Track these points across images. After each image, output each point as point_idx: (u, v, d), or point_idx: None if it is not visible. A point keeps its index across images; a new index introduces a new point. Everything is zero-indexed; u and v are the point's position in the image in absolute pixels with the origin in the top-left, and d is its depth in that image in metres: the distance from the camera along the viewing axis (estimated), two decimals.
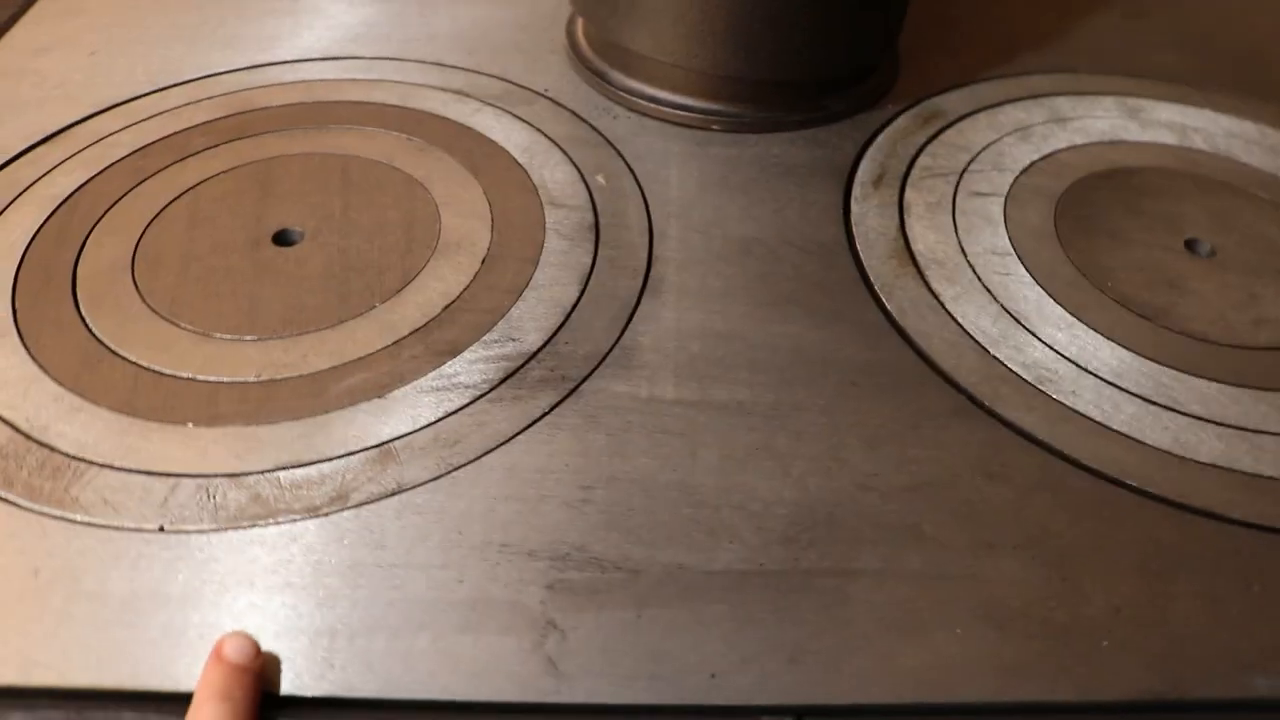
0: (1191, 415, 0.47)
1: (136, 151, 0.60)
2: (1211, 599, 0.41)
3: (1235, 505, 0.44)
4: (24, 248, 0.54)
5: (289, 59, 0.67)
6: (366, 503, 0.43)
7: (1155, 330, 0.51)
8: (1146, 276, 0.54)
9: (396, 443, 0.45)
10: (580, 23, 0.69)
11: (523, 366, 0.48)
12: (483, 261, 0.53)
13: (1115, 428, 0.47)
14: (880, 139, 0.62)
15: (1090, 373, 0.49)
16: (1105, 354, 0.50)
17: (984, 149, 0.62)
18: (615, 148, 0.61)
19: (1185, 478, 0.45)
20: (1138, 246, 0.55)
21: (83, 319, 0.50)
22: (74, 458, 0.44)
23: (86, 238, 0.54)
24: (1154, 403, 0.48)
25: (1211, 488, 0.45)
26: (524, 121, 0.62)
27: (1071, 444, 0.46)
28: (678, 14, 0.58)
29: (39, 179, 0.58)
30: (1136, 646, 0.39)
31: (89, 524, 0.42)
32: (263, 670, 0.37)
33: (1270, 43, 0.75)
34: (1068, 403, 0.47)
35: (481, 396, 0.46)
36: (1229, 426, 0.47)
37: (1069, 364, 0.49)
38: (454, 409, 0.46)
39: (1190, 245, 0.56)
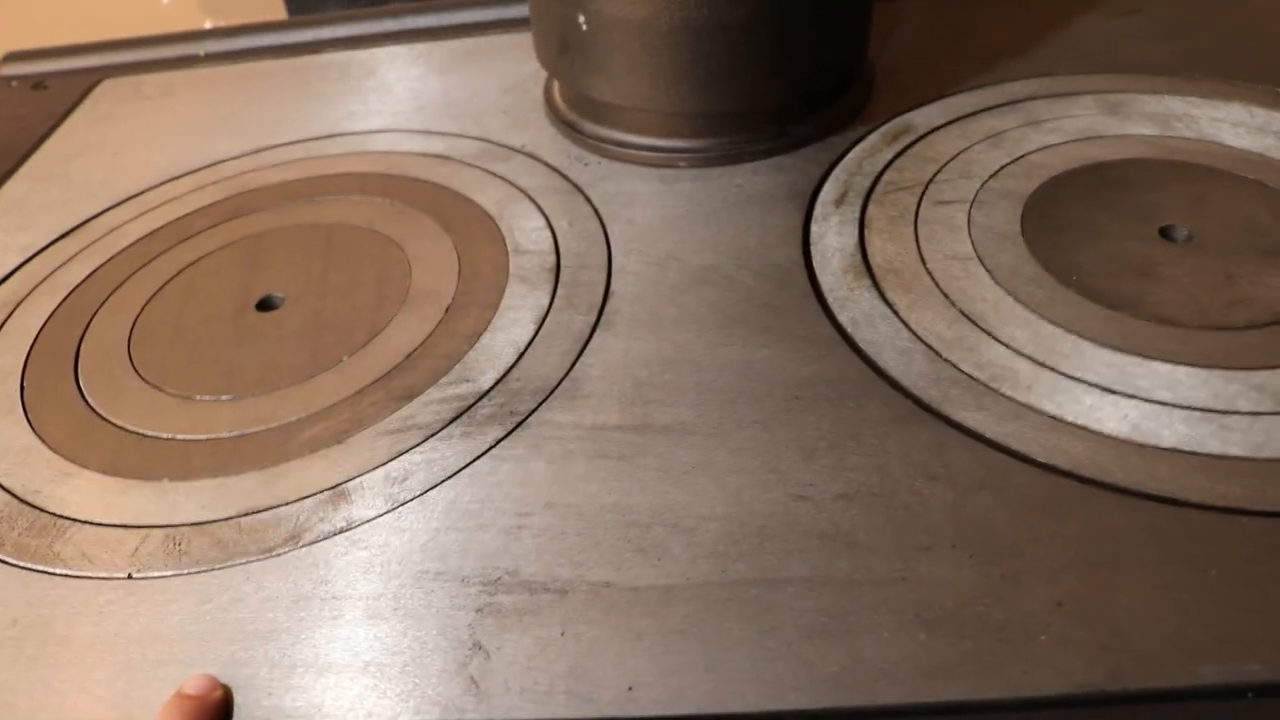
0: (1155, 401, 0.46)
1: (144, 238, 0.64)
2: (1163, 587, 0.39)
3: (1195, 489, 0.42)
4: (36, 332, 0.58)
5: (288, 141, 0.71)
6: (316, 541, 0.44)
7: (1121, 319, 0.49)
8: (1116, 267, 0.52)
9: (349, 484, 0.46)
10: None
11: (474, 405, 0.49)
12: (446, 310, 0.55)
13: (1070, 420, 0.45)
14: (846, 159, 0.62)
15: (1048, 367, 0.48)
16: (1065, 347, 0.49)
17: (953, 158, 0.61)
18: (584, 193, 0.62)
19: (1142, 465, 0.43)
20: (1108, 238, 0.54)
21: (80, 391, 0.53)
22: (59, 516, 0.47)
23: (91, 319, 0.58)
24: (1114, 391, 0.46)
25: (1170, 473, 0.43)
26: (498, 177, 0.65)
27: (1021, 439, 0.45)
28: (627, 59, 0.60)
29: (56, 269, 0.62)
30: (1077, 640, 0.38)
31: (66, 575, 0.44)
32: (219, 703, 0.39)
33: (1264, 20, 0.73)
34: (1021, 399, 0.46)
35: (433, 435, 0.48)
36: (1195, 409, 0.45)
37: (1025, 360, 0.48)
38: (406, 449, 0.47)
39: (1165, 232, 0.54)
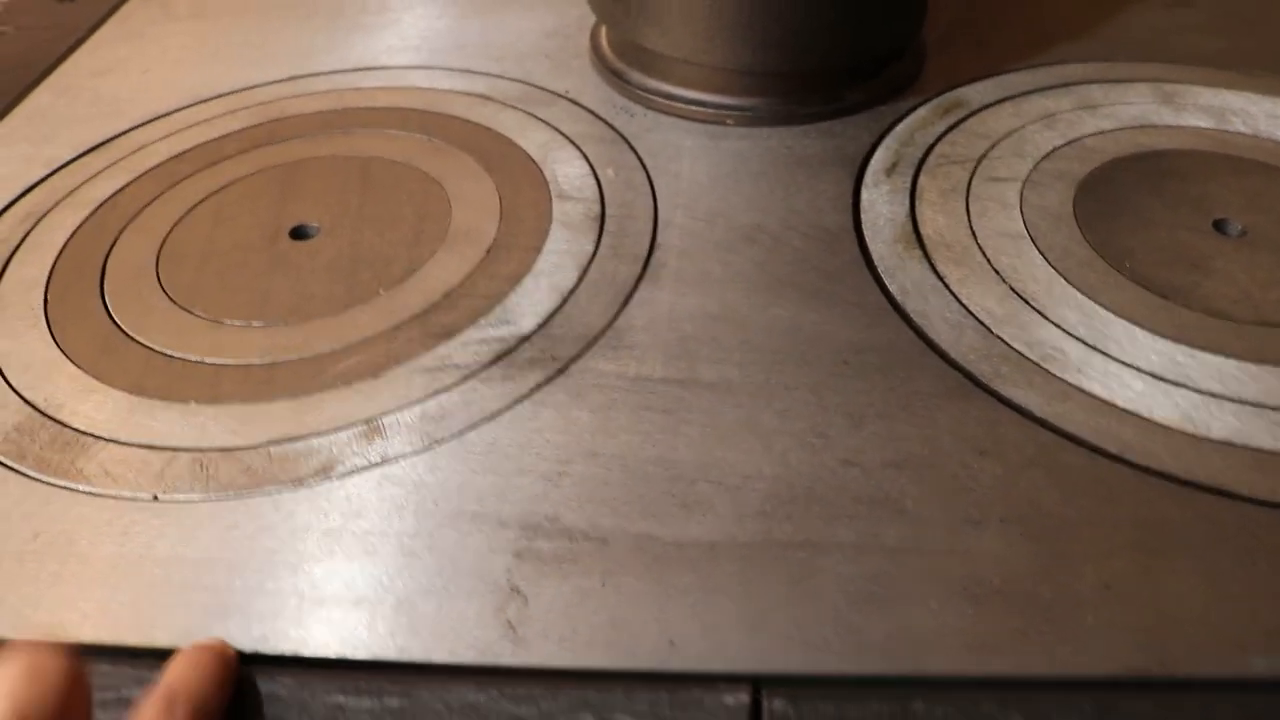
0: (1206, 392, 0.45)
1: (173, 158, 0.62)
2: (1211, 576, 0.38)
3: (1247, 483, 0.42)
4: (61, 245, 0.56)
5: (323, 71, 0.70)
6: (349, 474, 0.43)
7: (1173, 309, 0.49)
8: (1168, 256, 0.52)
9: (384, 419, 0.45)
10: (604, 26, 0.70)
11: (515, 348, 0.48)
12: (487, 251, 0.54)
13: (1121, 405, 0.45)
14: (898, 129, 0.61)
15: (1099, 351, 0.47)
16: (1117, 332, 0.48)
17: (1006, 136, 0.60)
18: (629, 143, 0.61)
19: (1194, 454, 0.43)
20: (1161, 227, 0.53)
21: (106, 308, 0.52)
22: (82, 433, 0.46)
23: (118, 236, 0.57)
24: (1166, 380, 0.46)
25: (1222, 464, 0.42)
26: (542, 121, 0.63)
27: (1072, 420, 0.44)
28: (686, 9, 0.58)
29: (82, 184, 0.61)
30: (1124, 623, 0.37)
31: (89, 493, 0.43)
32: (232, 661, 0.37)
33: None
34: (1072, 380, 0.46)
35: (471, 376, 0.47)
36: (1248, 404, 0.45)
37: (1077, 343, 0.47)
38: (443, 387, 0.46)
39: (1219, 225, 0.53)
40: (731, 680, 0.36)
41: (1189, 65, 0.66)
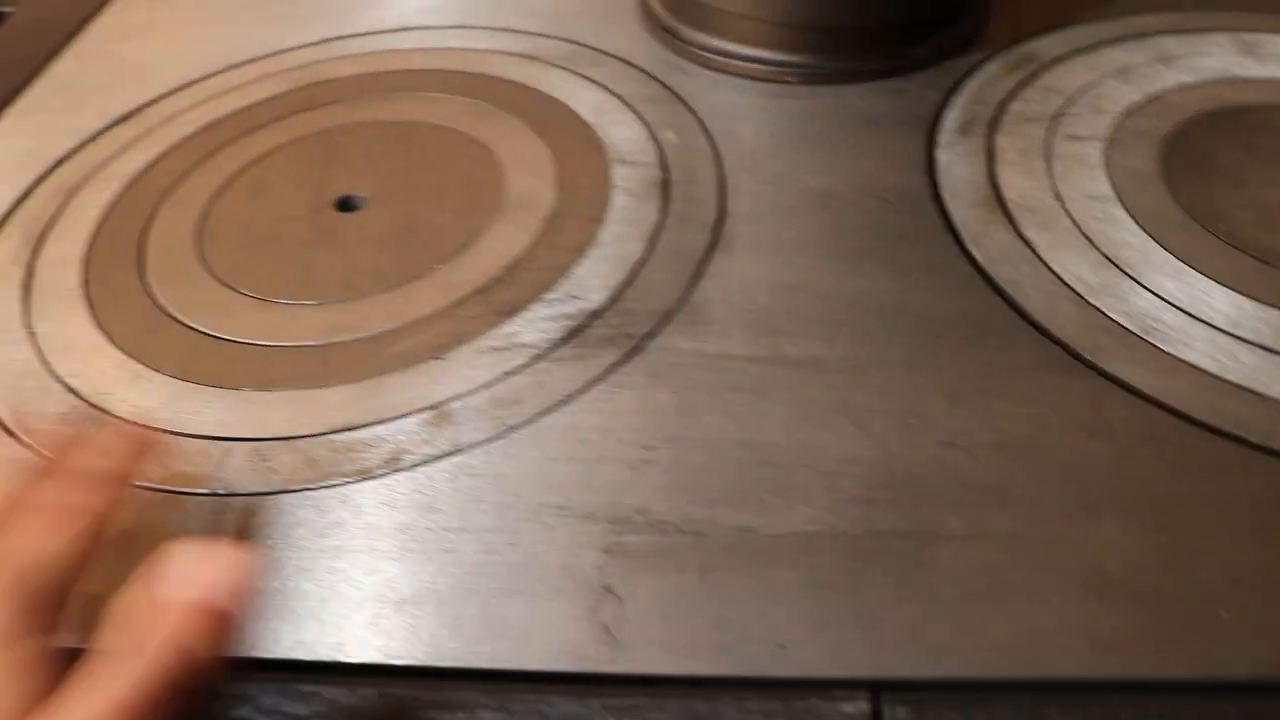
0: None
1: (205, 128, 0.59)
2: None
3: None
4: (96, 222, 0.54)
5: (358, 32, 0.66)
6: (420, 465, 0.41)
7: (1277, 275, 0.46)
8: (1266, 218, 0.49)
9: (453, 404, 0.43)
10: None
11: (585, 325, 0.46)
12: (546, 220, 0.51)
13: (1232, 380, 0.42)
14: (967, 86, 0.58)
15: (1203, 321, 0.44)
16: (1220, 301, 0.45)
17: (1081, 92, 0.57)
18: (686, 104, 0.58)
19: None
20: (1256, 186, 0.51)
21: (147, 288, 0.49)
22: (130, 423, 0.43)
23: (155, 211, 0.54)
24: (1277, 352, 0.43)
25: None
26: (592, 82, 0.60)
27: (1182, 397, 0.41)
28: None
29: (113, 157, 0.58)
30: (1260, 619, 0.35)
31: (143, 488, 0.41)
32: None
33: None
34: (1177, 354, 0.43)
35: (542, 356, 0.44)
36: None
37: (1178, 313, 0.45)
38: (513, 369, 0.44)
39: None
40: (848, 686, 0.34)
41: (1266, 13, 0.63)
